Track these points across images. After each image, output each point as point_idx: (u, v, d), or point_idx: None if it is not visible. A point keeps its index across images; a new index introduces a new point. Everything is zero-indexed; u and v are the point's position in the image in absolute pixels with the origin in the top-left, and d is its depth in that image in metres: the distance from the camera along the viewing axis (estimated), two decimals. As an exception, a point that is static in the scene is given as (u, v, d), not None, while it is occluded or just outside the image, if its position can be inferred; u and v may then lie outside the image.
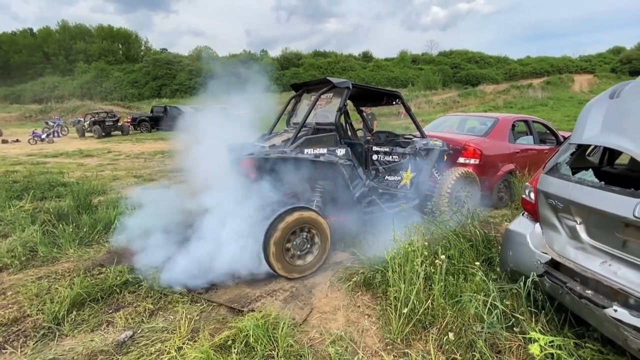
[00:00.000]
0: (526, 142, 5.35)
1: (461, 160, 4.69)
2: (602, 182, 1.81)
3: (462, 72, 46.70)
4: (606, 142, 1.79)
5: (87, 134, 17.97)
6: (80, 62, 43.45)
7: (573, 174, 2.04)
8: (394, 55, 53.52)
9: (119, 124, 18.98)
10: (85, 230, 3.79)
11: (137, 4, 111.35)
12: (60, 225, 3.78)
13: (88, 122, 17.85)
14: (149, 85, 41.10)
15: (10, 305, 2.60)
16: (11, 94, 39.36)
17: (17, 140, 15.91)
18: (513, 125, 5.25)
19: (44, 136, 15.77)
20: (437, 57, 52.69)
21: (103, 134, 17.63)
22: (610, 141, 1.77)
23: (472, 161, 4.67)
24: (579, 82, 37.58)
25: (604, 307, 1.63)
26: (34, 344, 2.15)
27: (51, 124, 18.02)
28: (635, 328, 1.51)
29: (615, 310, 1.59)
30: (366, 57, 53.35)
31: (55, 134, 17.27)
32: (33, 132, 15.84)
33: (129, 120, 20.47)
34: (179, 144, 3.69)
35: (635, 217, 1.58)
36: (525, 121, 5.53)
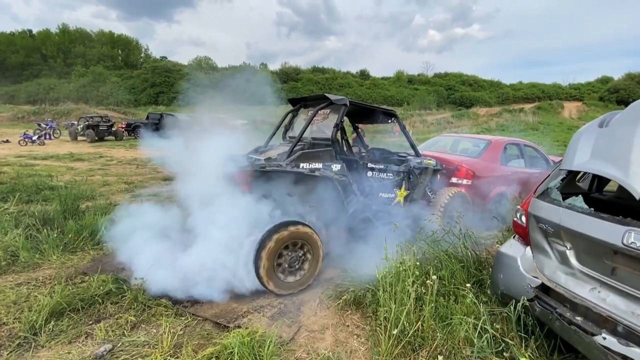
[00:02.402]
0: (517, 165, 5.44)
1: (454, 180, 4.73)
2: (592, 209, 1.84)
3: (456, 94, 47.75)
4: (595, 169, 1.83)
5: (79, 138, 17.78)
6: (78, 66, 43.35)
7: (563, 199, 2.07)
8: (391, 75, 54.69)
9: (113, 129, 18.84)
10: (70, 236, 3.69)
11: (140, 13, 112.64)
12: (45, 230, 3.68)
13: (81, 126, 17.68)
14: (146, 92, 41.03)
15: (-15, 313, 2.49)
16: (5, 94, 38.90)
17: (7, 141, 15.63)
18: (505, 148, 5.35)
19: (35, 138, 15.54)
20: (433, 78, 53.93)
21: (96, 138, 17.45)
22: (599, 168, 1.80)
23: (465, 182, 4.72)
24: (568, 109, 38.72)
25: (593, 335, 1.62)
26: (7, 354, 2.05)
27: (43, 125, 17.77)
28: (623, 357, 1.50)
29: (604, 338, 1.58)
30: (363, 75, 54.35)
31: (47, 136, 17.04)
32: (24, 134, 15.61)
33: (123, 126, 20.34)
34: (172, 153, 3.63)
35: (623, 244, 1.60)
36: (517, 144, 5.65)
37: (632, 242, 1.57)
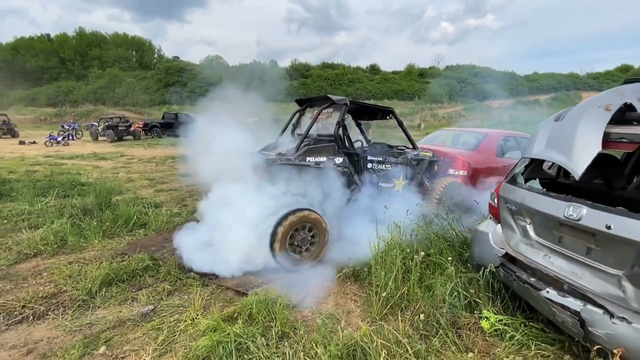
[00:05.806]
0: (514, 156, 5.71)
1: (451, 171, 5.07)
2: (544, 189, 2.21)
3: (468, 87, 47.21)
4: (548, 156, 2.20)
5: (100, 138, 18.69)
6: (95, 68, 44.88)
7: (525, 183, 2.44)
8: (401, 69, 54.46)
9: (131, 129, 19.70)
10: (107, 224, 4.23)
11: (152, 14, 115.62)
12: (86, 219, 4.23)
13: (102, 127, 18.58)
14: (160, 92, 42.27)
15: (47, 284, 3.03)
16: (26, 97, 40.67)
17: (34, 142, 16.62)
18: (501, 141, 5.64)
19: (59, 139, 16.48)
20: (444, 71, 53.42)
21: (115, 138, 18.34)
22: (551, 156, 2.17)
23: (461, 173, 5.06)
24: (586, 99, 37.78)
25: (539, 290, 2.01)
26: (72, 312, 2.57)
27: (66, 127, 18.79)
28: (561, 305, 1.89)
29: (548, 292, 1.97)
30: (374, 69, 54.27)
31: (70, 137, 18.01)
32: (49, 135, 16.57)
33: (140, 126, 21.22)
34: (190, 151, 4.07)
35: (564, 217, 1.97)
36: (514, 137, 5.92)
37: (570, 214, 1.95)
